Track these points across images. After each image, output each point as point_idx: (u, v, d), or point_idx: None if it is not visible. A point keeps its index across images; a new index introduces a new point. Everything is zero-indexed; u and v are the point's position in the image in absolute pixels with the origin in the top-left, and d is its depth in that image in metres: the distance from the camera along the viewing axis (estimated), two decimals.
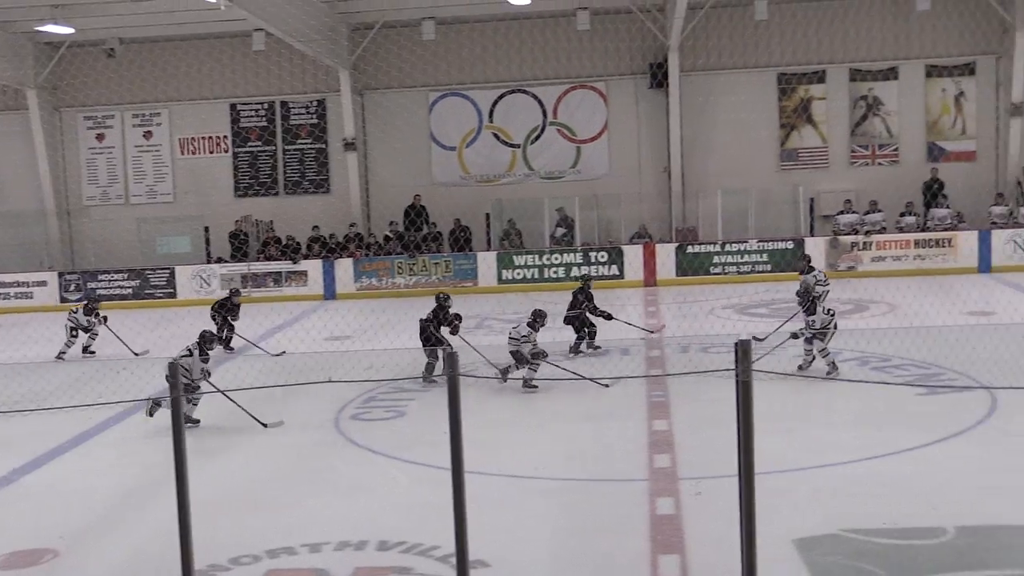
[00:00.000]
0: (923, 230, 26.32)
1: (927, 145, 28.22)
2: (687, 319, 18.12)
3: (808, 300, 15.41)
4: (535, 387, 14.61)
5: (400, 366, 16.52)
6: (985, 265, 25.38)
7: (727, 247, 26.18)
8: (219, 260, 27.54)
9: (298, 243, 27.69)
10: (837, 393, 13.40)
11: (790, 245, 25.97)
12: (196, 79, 29.51)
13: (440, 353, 14.74)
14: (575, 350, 17.20)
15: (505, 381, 14.83)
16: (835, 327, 14.99)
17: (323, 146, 29.54)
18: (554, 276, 25.94)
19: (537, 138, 28.97)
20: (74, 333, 19.29)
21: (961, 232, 25.89)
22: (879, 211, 26.59)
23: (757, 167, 28.07)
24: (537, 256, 26.49)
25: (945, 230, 26.10)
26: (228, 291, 20.41)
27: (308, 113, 29.56)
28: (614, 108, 28.79)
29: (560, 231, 27.49)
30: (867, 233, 26.03)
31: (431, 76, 28.85)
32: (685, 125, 27.93)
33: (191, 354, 13.51)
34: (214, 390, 13.26)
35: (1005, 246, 25.36)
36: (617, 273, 26.08)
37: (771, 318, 19.87)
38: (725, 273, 25.89)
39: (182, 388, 8.07)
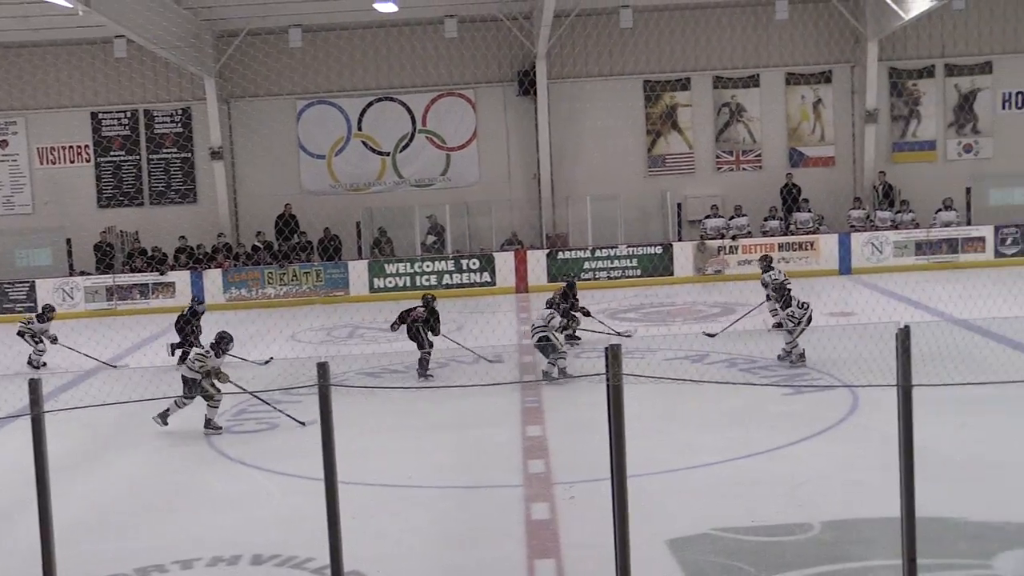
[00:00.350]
0: (786, 234, 27.00)
1: (788, 151, 28.97)
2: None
3: (785, 294, 16.11)
4: (570, 375, 15.21)
5: (270, 377, 16.30)
6: (845, 267, 26.14)
7: (597, 253, 26.46)
8: (83, 273, 26.80)
9: (165, 254, 27.12)
10: (706, 395, 13.65)
11: (659, 250, 26.37)
12: (55, 87, 28.66)
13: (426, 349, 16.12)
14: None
15: (559, 375, 15.22)
16: (809, 320, 15.72)
17: (189, 155, 28.98)
18: (426, 284, 25.88)
19: (407, 146, 28.89)
20: (37, 339, 18.74)
21: (822, 235, 26.62)
22: (744, 215, 27.19)
23: (625, 173, 28.43)
24: (408, 264, 26.41)
25: (807, 233, 26.81)
26: (191, 300, 19.98)
27: (173, 122, 28.97)
28: (483, 116, 28.87)
29: (431, 239, 27.46)
30: (734, 237, 26.59)
31: (298, 84, 28.54)
32: (554, 132, 28.17)
33: (207, 356, 13.59)
34: (239, 390, 13.52)
35: (864, 248, 26.16)
36: (489, 280, 26.15)
37: (642, 322, 20.17)
38: (596, 279, 26.14)
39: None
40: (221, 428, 13.53)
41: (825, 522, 9.05)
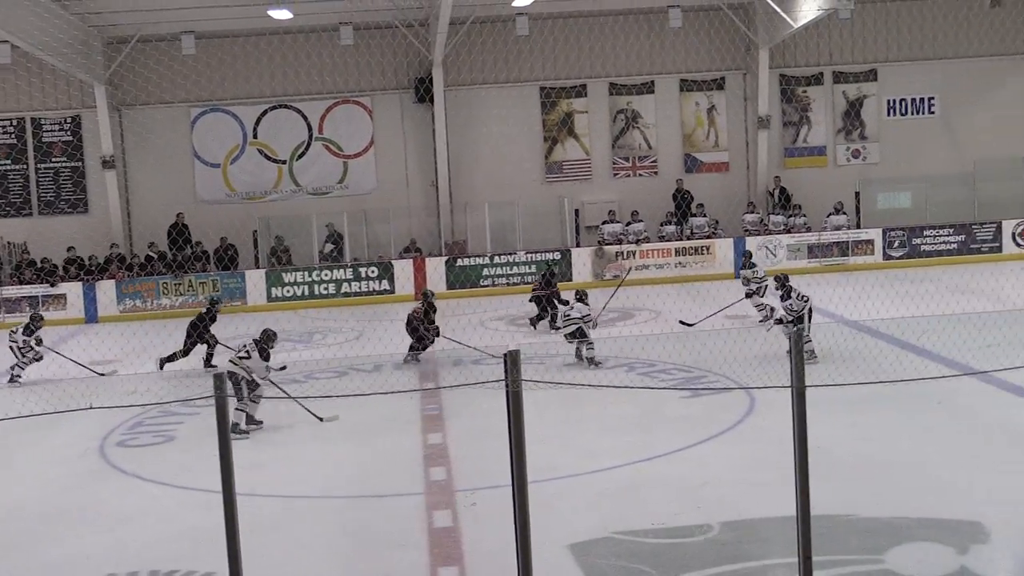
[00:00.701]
0: (682, 238, 27.36)
1: (683, 157, 29.38)
2: (458, 332, 18.25)
3: (783, 286, 16.38)
4: (600, 362, 16.41)
5: (166, 389, 16.03)
6: (739, 272, 26.53)
7: (496, 259, 26.54)
8: None
9: (55, 265, 26.48)
10: (606, 400, 13.76)
11: (557, 256, 26.53)
12: None
13: (424, 343, 17.32)
14: (534, 323, 20.25)
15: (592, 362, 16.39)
16: (810, 312, 16.07)
17: (79, 164, 28.37)
18: (324, 293, 25.72)
19: (303, 154, 28.66)
20: (24, 353, 17.81)
21: (718, 240, 27.04)
22: (640, 221, 27.49)
23: (523, 180, 28.57)
24: (306, 273, 26.18)
25: (703, 238, 27.21)
26: (208, 301, 19.69)
27: (62, 130, 28.34)
28: (380, 123, 28.77)
29: (330, 247, 27.26)
30: (636, 242, 26.85)
31: (192, 92, 28.09)
32: (451, 139, 28.19)
33: (250, 356, 13.55)
34: (280, 392, 13.73)
35: (757, 252, 26.57)
36: (388, 288, 26.06)
37: (542, 329, 20.24)
38: (495, 285, 26.23)
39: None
40: (248, 433, 13.32)
41: (724, 522, 9.18)
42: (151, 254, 26.77)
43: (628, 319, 21.02)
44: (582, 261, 26.44)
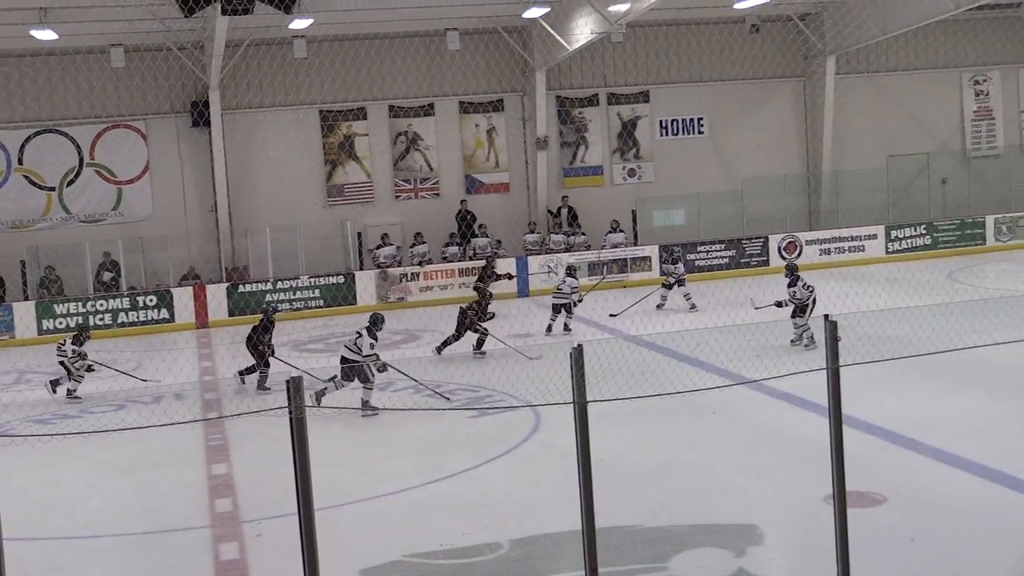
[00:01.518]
0: (465, 259, 27.58)
1: (464, 178, 29.64)
2: (240, 360, 17.87)
3: (792, 275, 17.58)
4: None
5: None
6: (523, 290, 26.96)
7: (279, 284, 26.10)
8: None
9: None
10: (393, 422, 13.73)
11: (341, 280, 26.32)
12: None
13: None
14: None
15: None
16: (814, 302, 17.07)
17: None
18: (100, 323, 24.70)
19: (73, 180, 27.55)
20: (78, 367, 17.17)
21: (500, 260, 27.32)
22: (424, 243, 27.55)
23: (305, 203, 28.26)
24: (81, 303, 25.09)
25: (486, 258, 27.46)
26: (264, 308, 18.96)
27: None
28: (156, 148, 27.94)
29: (108, 275, 26.24)
30: (419, 264, 26.88)
31: None
32: (230, 163, 27.65)
33: (360, 336, 14.90)
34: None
35: (540, 271, 27.06)
36: (167, 316, 25.26)
37: (326, 353, 20.04)
38: (278, 311, 25.75)
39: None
40: (378, 409, 14.40)
41: (513, 540, 9.28)
42: None
43: (413, 341, 21.04)
44: (363, 285, 26.30)
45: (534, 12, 25.65)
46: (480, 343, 18.51)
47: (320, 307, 25.92)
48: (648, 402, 12.07)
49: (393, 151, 29.25)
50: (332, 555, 6.98)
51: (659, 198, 30.03)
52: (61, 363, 17.40)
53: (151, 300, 25.37)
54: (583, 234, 28.74)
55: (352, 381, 14.77)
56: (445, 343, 18.56)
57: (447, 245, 28.00)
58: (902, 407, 12.89)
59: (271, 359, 16.95)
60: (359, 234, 28.19)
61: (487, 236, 28.23)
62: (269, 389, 16.58)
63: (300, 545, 6.35)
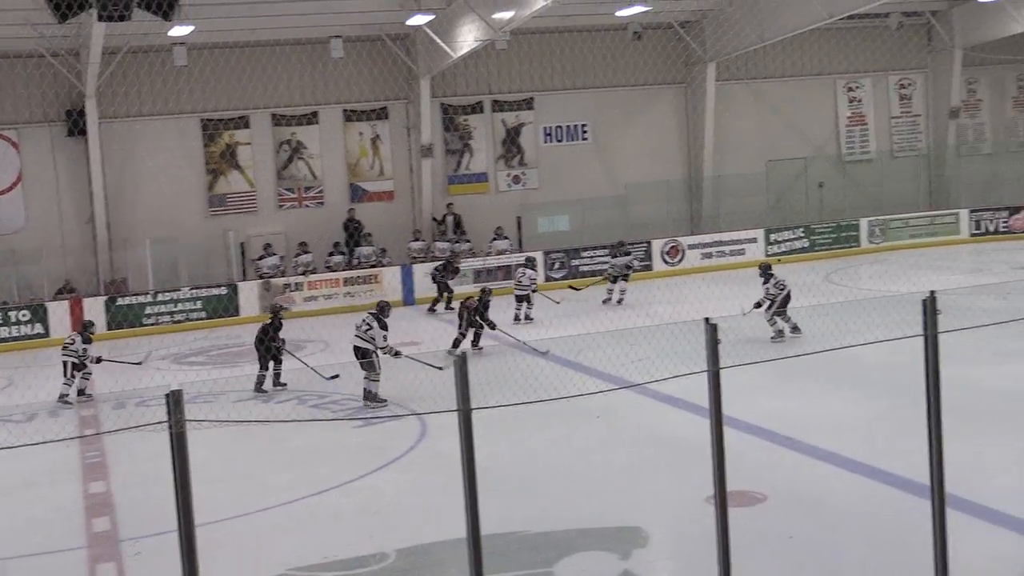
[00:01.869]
0: (350, 268, 27.39)
1: (350, 186, 29.43)
2: (121, 373, 17.47)
3: (765, 273, 18.25)
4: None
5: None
6: (409, 298, 26.86)
7: (159, 296, 25.56)
8: None
9: None
10: (278, 434, 13.56)
11: (224, 291, 25.91)
12: None
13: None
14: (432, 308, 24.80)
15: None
16: (787, 298, 17.79)
17: None
18: None
19: None
20: (78, 368, 17.09)
21: (385, 268, 27.24)
22: (308, 252, 27.27)
23: (186, 214, 27.76)
24: None
25: (371, 267, 27.34)
26: (272, 308, 18.29)
27: None
28: (28, 158, 27.14)
29: None
30: (303, 273, 26.61)
31: None
32: (108, 174, 27.00)
33: (371, 327, 15.10)
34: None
35: (424, 278, 26.94)
36: (42, 332, 24.49)
37: (208, 365, 19.73)
38: (159, 323, 25.28)
39: None
40: (386, 401, 14.87)
41: (400, 549, 9.23)
42: None
43: (298, 351, 20.78)
44: (245, 296, 25.92)
45: (418, 19, 25.62)
46: (477, 337, 19.07)
47: (202, 319, 25.44)
48: (533, 408, 12.06)
49: (277, 160, 28.90)
50: (214, 570, 6.86)
51: (544, 204, 30.21)
52: (65, 362, 17.28)
53: (24, 315, 24.62)
54: (468, 241, 28.77)
55: (374, 371, 15.08)
56: (455, 343, 18.87)
57: (331, 254, 27.76)
58: (781, 407, 13.15)
59: (282, 356, 17.15)
60: (242, 244, 27.79)
61: (372, 245, 28.07)
62: (285, 385, 16.89)
63: (180, 562, 6.22)
